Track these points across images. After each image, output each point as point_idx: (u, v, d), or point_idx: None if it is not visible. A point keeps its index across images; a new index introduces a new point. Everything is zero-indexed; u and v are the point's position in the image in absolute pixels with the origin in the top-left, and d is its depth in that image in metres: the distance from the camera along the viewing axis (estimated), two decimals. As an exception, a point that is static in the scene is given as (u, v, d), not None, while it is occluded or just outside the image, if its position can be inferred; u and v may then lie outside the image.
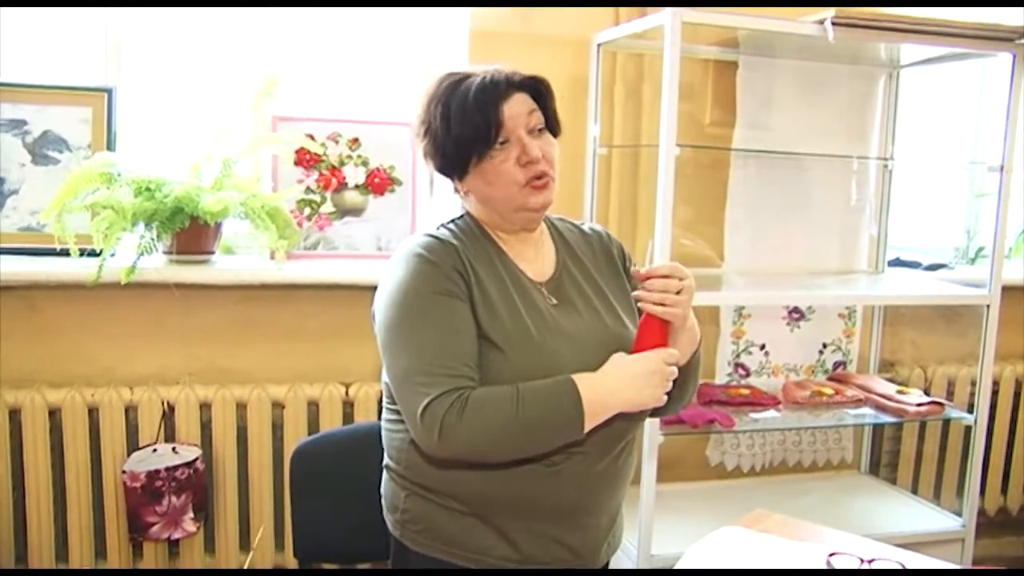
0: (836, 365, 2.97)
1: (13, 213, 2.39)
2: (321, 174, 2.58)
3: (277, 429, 2.48)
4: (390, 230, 2.63)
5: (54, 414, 2.34)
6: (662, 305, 1.51)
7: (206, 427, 2.44)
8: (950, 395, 3.07)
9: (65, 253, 2.27)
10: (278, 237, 2.35)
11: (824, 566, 1.52)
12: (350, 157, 2.60)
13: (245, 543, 2.49)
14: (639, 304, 1.54)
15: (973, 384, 2.76)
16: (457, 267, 1.52)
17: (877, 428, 3.07)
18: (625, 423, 1.56)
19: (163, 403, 2.39)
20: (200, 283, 2.39)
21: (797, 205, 2.84)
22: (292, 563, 2.47)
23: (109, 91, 2.45)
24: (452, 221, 1.63)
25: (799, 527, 1.72)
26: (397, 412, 1.56)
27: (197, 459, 2.36)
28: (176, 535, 2.35)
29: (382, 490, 1.68)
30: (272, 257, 2.41)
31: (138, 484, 2.28)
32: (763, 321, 2.86)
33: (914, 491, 3.08)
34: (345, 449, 1.89)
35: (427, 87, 1.57)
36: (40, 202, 2.32)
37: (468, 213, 1.64)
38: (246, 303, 2.49)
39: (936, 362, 3.13)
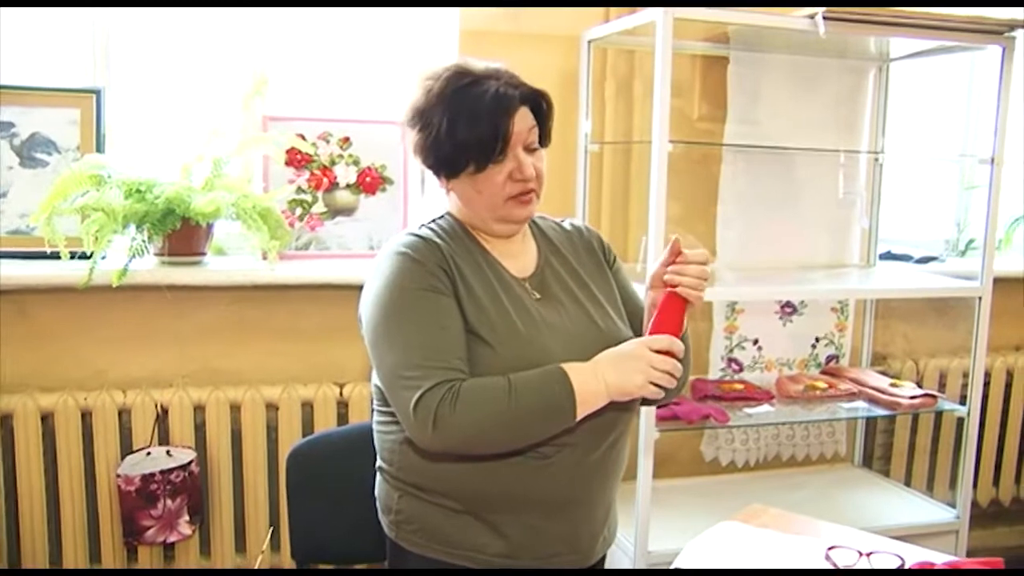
0: (829, 359, 2.98)
1: (2, 216, 2.38)
2: (312, 174, 2.57)
3: (271, 430, 2.47)
4: (382, 229, 2.62)
5: (46, 419, 2.33)
6: (697, 289, 1.53)
7: (200, 429, 2.43)
8: (942, 387, 3.08)
9: (55, 256, 2.25)
10: (270, 238, 2.34)
11: (823, 560, 1.53)
12: (341, 156, 2.60)
13: (241, 545, 2.49)
14: (671, 289, 1.53)
15: (965, 376, 2.77)
16: (441, 264, 1.53)
17: (870, 421, 3.08)
18: (615, 414, 1.56)
19: (156, 406, 2.38)
20: (192, 285, 2.38)
21: (788, 199, 2.84)
22: (289, 565, 2.46)
23: (98, 92, 2.43)
24: (434, 220, 1.64)
25: (796, 521, 1.73)
26: (388, 413, 1.57)
27: (191, 462, 2.35)
28: (172, 538, 2.34)
29: (376, 492, 1.68)
30: (264, 258, 2.40)
31: (133, 488, 2.27)
32: (756, 316, 2.87)
33: (907, 483, 3.09)
34: (341, 450, 1.88)
35: (431, 80, 1.55)
36: (29, 205, 2.31)
37: (450, 212, 1.65)
38: (238, 304, 2.48)
39: (928, 355, 3.14)
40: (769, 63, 2.75)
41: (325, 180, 2.58)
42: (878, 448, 3.15)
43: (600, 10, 2.62)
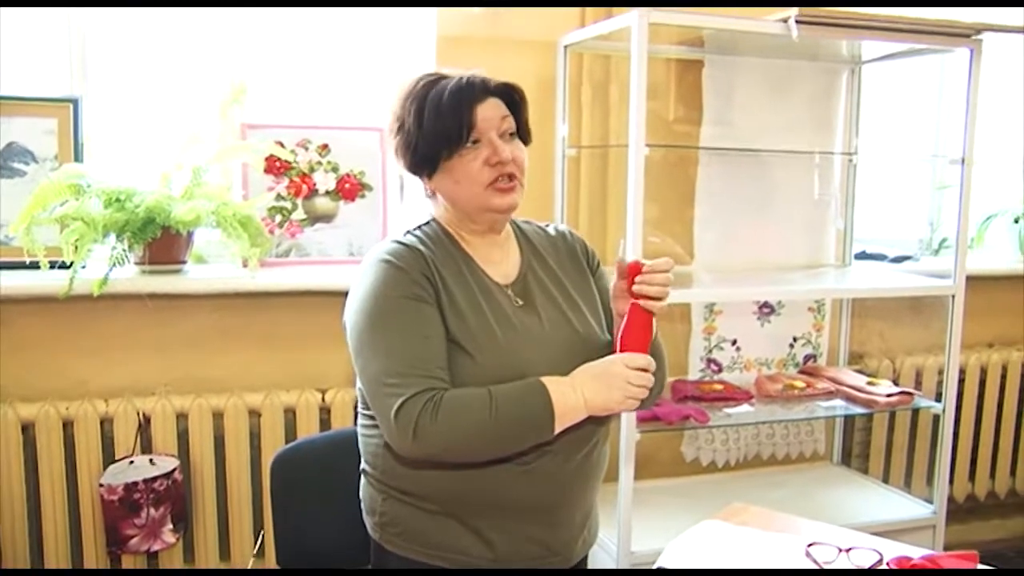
0: (807, 358, 3.01)
1: (-20, 227, 2.37)
2: (291, 181, 2.57)
3: (254, 437, 2.47)
4: (362, 236, 2.63)
5: (27, 429, 2.32)
6: (661, 300, 1.56)
7: (183, 437, 2.42)
8: (918, 385, 3.12)
9: (35, 266, 2.25)
10: (250, 245, 2.34)
11: (803, 556, 1.55)
12: (320, 163, 2.60)
13: (225, 553, 2.49)
14: (636, 300, 1.56)
15: (940, 373, 2.81)
16: (425, 272, 1.54)
17: (848, 419, 3.12)
18: (594, 422, 1.58)
19: (139, 414, 2.37)
20: (173, 293, 2.38)
21: (764, 201, 2.87)
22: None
23: (75, 101, 2.43)
24: (419, 227, 1.65)
25: (776, 519, 1.75)
26: (372, 417, 1.58)
27: (175, 470, 2.35)
28: (155, 547, 2.33)
29: (360, 494, 1.70)
30: (245, 265, 2.40)
31: (116, 497, 2.27)
32: (734, 317, 2.90)
33: (885, 480, 3.13)
34: (324, 455, 1.89)
35: (403, 86, 1.60)
36: (8, 215, 2.30)
37: (434, 219, 1.66)
38: (220, 312, 2.48)
39: (904, 353, 3.18)
40: (744, 66, 2.78)
41: (304, 187, 2.58)
42: (856, 446, 3.19)
43: (576, 15, 2.64)
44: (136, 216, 2.26)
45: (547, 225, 1.81)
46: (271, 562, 2.44)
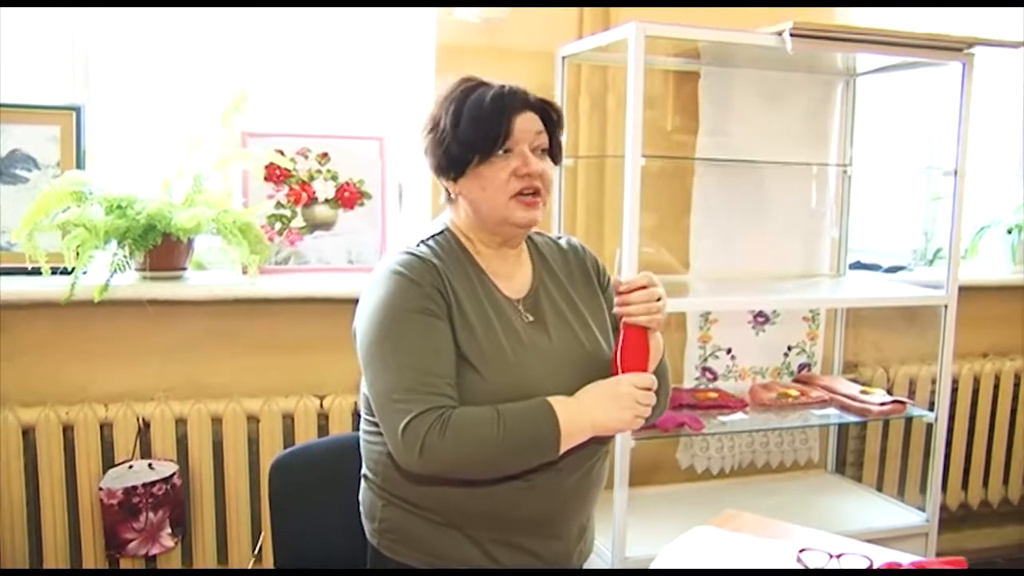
0: (801, 367, 3.04)
1: (-17, 233, 2.39)
2: (291, 189, 2.60)
3: (252, 443, 2.49)
4: (360, 243, 2.65)
5: (27, 433, 2.34)
6: (647, 315, 1.57)
7: (182, 442, 2.44)
8: (912, 394, 3.14)
9: (37, 272, 2.27)
10: (250, 252, 2.36)
11: (795, 562, 1.57)
12: (319, 172, 2.63)
13: (223, 557, 2.50)
14: (623, 320, 1.58)
15: (934, 383, 2.83)
16: (437, 286, 1.54)
17: (842, 428, 3.14)
18: (597, 440, 1.60)
19: (138, 419, 2.39)
20: (173, 299, 2.40)
21: (759, 211, 2.90)
22: (270, 576, 2.48)
23: (77, 109, 2.45)
24: (432, 237, 1.64)
25: (769, 525, 1.76)
26: (376, 424, 1.58)
27: (174, 474, 2.37)
28: (154, 551, 2.35)
29: (360, 498, 1.71)
30: (244, 272, 2.42)
31: (115, 501, 2.29)
32: (729, 326, 2.92)
33: (879, 488, 3.15)
34: (323, 460, 1.90)
35: (442, 88, 1.61)
36: (10, 221, 2.32)
37: (448, 229, 1.66)
38: (219, 318, 2.50)
39: (898, 362, 3.20)
40: (739, 77, 2.81)
41: (304, 195, 2.61)
42: (850, 454, 3.21)
43: (574, 27, 2.68)
44: (137, 223, 2.28)
45: (559, 238, 1.82)
46: (269, 566, 2.46)
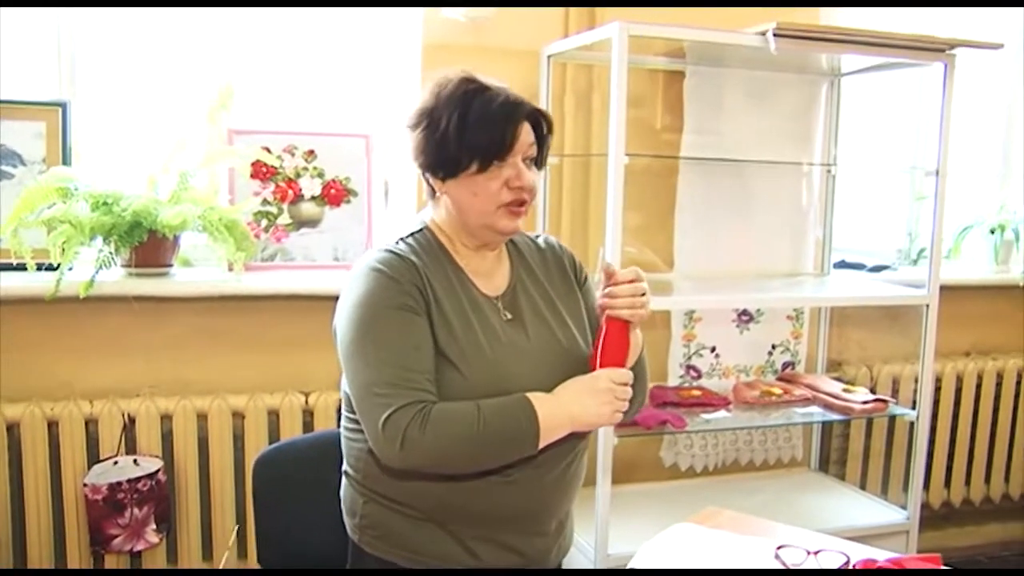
0: (785, 366, 3.05)
1: (-32, 229, 2.39)
2: (277, 186, 2.60)
3: (238, 439, 2.50)
4: (346, 241, 2.66)
5: (12, 429, 2.34)
6: (631, 308, 1.58)
7: (167, 438, 2.45)
8: (895, 392, 3.16)
9: (22, 268, 2.28)
10: (236, 249, 2.37)
11: (773, 559, 1.58)
12: (306, 169, 2.64)
13: (208, 553, 2.51)
14: (607, 312, 1.59)
15: (916, 381, 2.85)
16: (416, 283, 1.56)
17: (826, 426, 3.16)
18: (576, 436, 1.62)
19: (123, 415, 2.40)
20: (159, 296, 2.41)
21: (744, 210, 2.91)
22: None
23: (63, 105, 2.45)
24: (411, 235, 1.65)
25: (750, 523, 1.77)
26: (356, 421, 1.59)
27: (159, 470, 2.38)
28: (139, 547, 2.36)
29: (341, 494, 1.72)
30: (230, 269, 2.43)
31: (99, 497, 2.29)
32: (713, 324, 2.94)
33: (862, 487, 3.17)
34: (307, 456, 1.90)
35: (441, 84, 1.59)
36: (-5, 217, 2.33)
37: (427, 227, 1.67)
38: (205, 315, 2.51)
39: (881, 361, 3.22)
40: (725, 77, 2.82)
41: (290, 192, 2.61)
42: (834, 452, 3.22)
43: (560, 26, 2.69)
44: (123, 219, 2.29)
45: (537, 236, 1.83)
46: (252, 562, 2.47)
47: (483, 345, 1.57)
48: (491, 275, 1.68)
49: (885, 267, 3.21)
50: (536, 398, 1.52)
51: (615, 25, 2.23)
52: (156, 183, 2.43)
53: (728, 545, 1.63)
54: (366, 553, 1.64)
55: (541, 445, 1.52)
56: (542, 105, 2.64)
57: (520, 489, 1.58)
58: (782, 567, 1.56)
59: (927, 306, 2.69)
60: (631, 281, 1.59)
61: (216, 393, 2.48)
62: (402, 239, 1.64)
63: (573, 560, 2.46)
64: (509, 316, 1.65)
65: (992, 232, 3.36)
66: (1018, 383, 3.38)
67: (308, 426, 2.54)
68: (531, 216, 2.69)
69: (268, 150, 2.58)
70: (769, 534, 1.70)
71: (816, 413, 2.78)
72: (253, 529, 1.87)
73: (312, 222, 2.65)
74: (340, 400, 1.69)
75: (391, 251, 1.59)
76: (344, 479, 1.71)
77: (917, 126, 3.38)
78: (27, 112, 2.44)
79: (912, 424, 2.79)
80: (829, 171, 3.04)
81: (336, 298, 1.63)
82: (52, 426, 2.37)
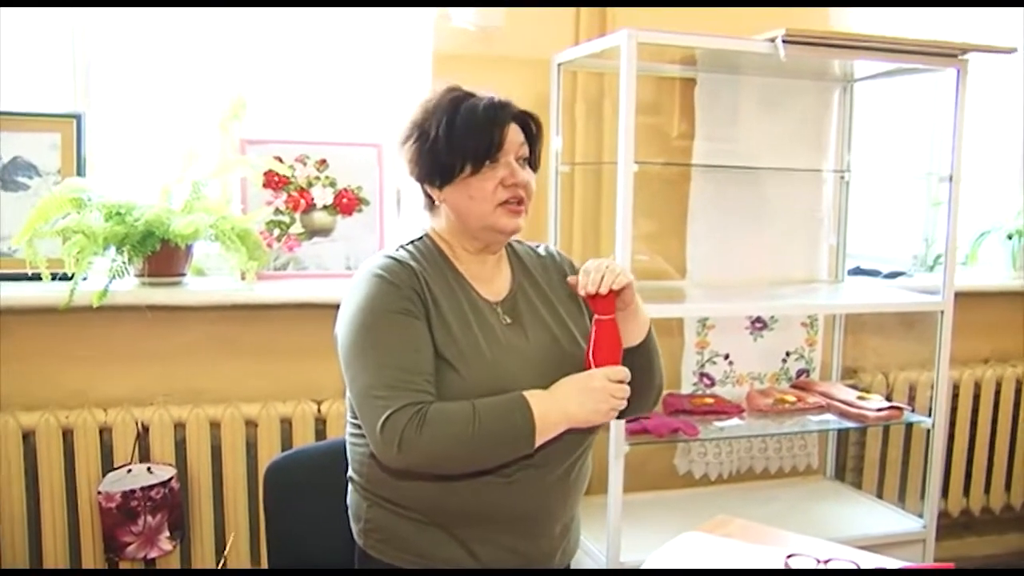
0: (799, 373, 3.04)
1: (-16, 239, 2.42)
2: (290, 195, 2.62)
3: (250, 447, 2.51)
4: (358, 249, 2.67)
5: (28, 437, 2.36)
6: (604, 275, 1.56)
7: (180, 446, 2.46)
8: (912, 399, 3.13)
9: (37, 278, 2.30)
10: (248, 258, 2.38)
11: (781, 567, 1.57)
12: (318, 178, 2.65)
13: (220, 561, 2.52)
14: (595, 316, 1.59)
15: (932, 388, 2.83)
16: (415, 288, 1.57)
17: (842, 434, 3.14)
18: (577, 436, 1.62)
19: (137, 424, 2.41)
20: (172, 305, 2.42)
21: (757, 217, 2.90)
22: (267, 579, 2.50)
23: (78, 117, 2.48)
24: (411, 242, 1.68)
25: (760, 531, 1.76)
26: (359, 426, 1.61)
27: (172, 478, 2.39)
28: (152, 554, 2.37)
29: (348, 500, 1.73)
30: (243, 278, 2.45)
31: (113, 504, 2.31)
32: (727, 332, 2.93)
33: (879, 495, 3.15)
34: (317, 464, 1.91)
35: (427, 97, 1.64)
36: (11, 228, 2.35)
37: (427, 235, 1.70)
38: (218, 324, 2.52)
39: (898, 368, 3.20)
40: (736, 84, 2.82)
41: (302, 201, 2.62)
42: (850, 460, 3.20)
43: (570, 33, 2.70)
44: (135, 229, 2.31)
45: (537, 246, 1.84)
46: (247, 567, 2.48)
47: (482, 347, 1.59)
48: (491, 281, 1.70)
49: (901, 273, 3.18)
50: (532, 396, 1.53)
51: (623, 33, 2.24)
52: (169, 193, 2.45)
53: (737, 554, 1.63)
54: (371, 558, 1.65)
55: (538, 443, 1.53)
56: (552, 113, 2.65)
57: (522, 491, 1.58)
58: (792, 570, 1.55)
59: (942, 313, 2.67)
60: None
61: (229, 401, 2.50)
62: (402, 246, 1.67)
63: (583, 566, 2.46)
64: (508, 321, 1.66)
65: (1009, 238, 3.34)
66: (1036, 390, 3.35)
67: (320, 434, 2.55)
68: (542, 224, 2.70)
69: (280, 160, 2.60)
70: (779, 543, 1.70)
71: (831, 421, 2.76)
72: (264, 536, 1.88)
73: (324, 231, 2.66)
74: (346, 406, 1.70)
75: (391, 257, 1.62)
76: (350, 484, 1.72)
77: (932, 131, 3.35)
78: (42, 124, 2.47)
79: (928, 432, 2.77)
80: (843, 177, 3.03)
81: (346, 307, 1.64)
82: (67, 434, 2.39)
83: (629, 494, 2.46)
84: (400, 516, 1.61)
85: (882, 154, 3.30)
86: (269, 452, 2.46)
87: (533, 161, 1.67)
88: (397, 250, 1.65)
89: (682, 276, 2.86)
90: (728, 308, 2.74)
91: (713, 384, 2.93)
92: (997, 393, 3.30)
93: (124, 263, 2.34)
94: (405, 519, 1.60)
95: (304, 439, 2.51)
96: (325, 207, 2.65)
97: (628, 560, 2.39)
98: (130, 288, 2.39)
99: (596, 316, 1.59)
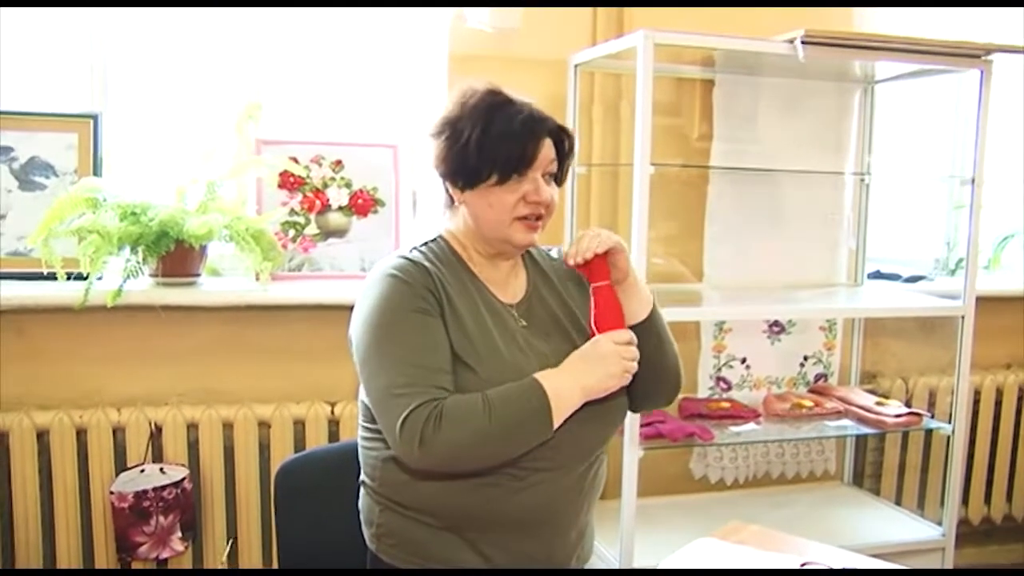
0: (818, 377, 3.00)
1: (1, 238, 2.42)
2: (305, 196, 2.61)
3: (264, 448, 2.50)
4: (374, 251, 2.66)
5: (42, 436, 2.37)
6: (592, 240, 1.57)
7: (193, 447, 2.46)
8: (932, 405, 3.10)
9: (52, 277, 2.30)
10: (262, 259, 2.38)
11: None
12: (333, 179, 2.64)
13: (233, 562, 2.51)
14: (592, 286, 1.59)
15: (952, 394, 2.79)
16: (429, 287, 1.56)
17: (860, 439, 3.10)
18: (594, 435, 1.61)
19: (150, 424, 2.41)
20: (186, 305, 2.42)
21: (776, 219, 2.87)
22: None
23: (95, 117, 2.48)
24: (425, 243, 1.67)
25: (775, 538, 1.74)
26: (372, 430, 1.61)
27: (184, 479, 2.39)
28: (164, 555, 2.37)
29: (359, 504, 1.72)
30: (257, 279, 2.44)
31: (126, 504, 2.31)
32: (744, 335, 2.90)
33: (898, 502, 3.11)
34: (329, 466, 1.90)
35: (466, 94, 1.61)
36: (27, 227, 2.35)
37: (441, 236, 1.69)
38: (232, 324, 2.52)
39: (918, 373, 3.16)
40: (755, 85, 2.79)
41: (318, 202, 2.62)
42: (868, 466, 3.17)
43: (587, 34, 2.68)
44: (150, 229, 2.31)
45: (550, 249, 1.84)
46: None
47: (500, 347, 1.58)
48: (506, 284, 1.69)
49: (921, 277, 3.14)
50: (543, 376, 1.52)
51: (640, 33, 2.22)
52: (185, 193, 2.45)
53: (751, 561, 1.61)
54: (384, 562, 1.64)
55: (557, 422, 1.51)
56: (570, 115, 2.64)
57: (536, 494, 1.57)
58: (806, 569, 1.54)
59: (962, 317, 2.63)
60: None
61: (242, 402, 2.49)
62: (416, 248, 1.66)
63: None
64: (525, 323, 1.66)
65: (1032, 242, 3.30)
66: (1060, 396, 3.29)
67: (334, 436, 2.54)
68: (558, 227, 2.68)
69: (296, 160, 2.59)
70: (793, 549, 1.68)
71: (848, 426, 2.72)
72: (275, 537, 1.88)
73: (339, 232, 2.65)
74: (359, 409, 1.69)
75: (404, 257, 1.61)
76: (362, 488, 1.71)
77: (954, 133, 3.32)
78: (59, 124, 2.47)
79: (948, 438, 2.73)
80: (863, 180, 2.99)
81: (361, 308, 1.63)
82: (80, 434, 2.39)
83: (644, 498, 2.44)
84: (413, 520, 1.59)
85: (903, 156, 3.27)
86: (282, 453, 2.45)
87: (560, 176, 1.65)
88: (411, 251, 1.64)
89: (699, 279, 2.84)
90: (745, 311, 2.71)
91: (730, 388, 2.90)
92: (1019, 399, 3.25)
93: (139, 263, 2.35)
94: (418, 523, 1.59)
95: (317, 440, 2.51)
96: (340, 208, 2.65)
97: (642, 565, 2.37)
98: (144, 288, 2.39)
99: (592, 285, 1.59)
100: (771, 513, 2.77)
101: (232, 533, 2.50)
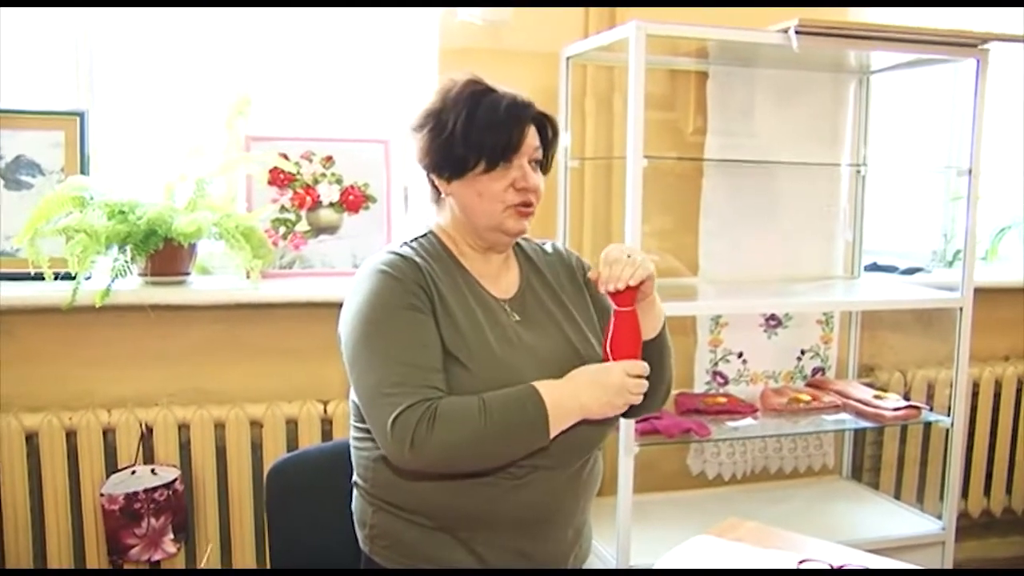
0: (815, 371, 2.98)
1: (-12, 238, 2.40)
2: (295, 192, 2.59)
3: (256, 448, 2.48)
4: (365, 247, 2.63)
5: (31, 438, 2.34)
6: (631, 268, 1.52)
7: (185, 448, 2.44)
8: (930, 398, 3.08)
9: (39, 277, 2.27)
10: (252, 256, 2.36)
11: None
12: (324, 175, 2.62)
13: (226, 563, 2.49)
14: (615, 308, 1.55)
15: (951, 387, 2.77)
16: (420, 283, 1.54)
17: (858, 433, 3.08)
18: (590, 433, 1.58)
19: (141, 425, 2.39)
20: (176, 304, 2.40)
21: (771, 212, 2.85)
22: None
23: (81, 115, 2.46)
24: (415, 239, 1.65)
25: (772, 534, 1.73)
26: (364, 430, 1.58)
27: (176, 480, 2.36)
28: (156, 557, 2.35)
29: (352, 506, 1.70)
30: (248, 276, 2.41)
31: (117, 507, 2.28)
32: (740, 329, 2.88)
33: (897, 496, 3.09)
34: (321, 465, 1.88)
35: (447, 87, 1.59)
36: (14, 227, 2.32)
37: (432, 231, 1.66)
38: (222, 323, 2.50)
39: (916, 365, 3.14)
40: (750, 77, 2.77)
41: (308, 199, 2.59)
42: (867, 460, 3.15)
43: (579, 26, 2.66)
44: (138, 228, 2.28)
45: (543, 243, 1.81)
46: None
47: (492, 344, 1.55)
48: (498, 279, 1.67)
49: (918, 269, 3.12)
50: (543, 386, 1.50)
51: (632, 25, 2.19)
52: (173, 191, 2.42)
53: (748, 558, 1.59)
54: (377, 563, 1.62)
55: (553, 433, 1.49)
56: (562, 108, 2.61)
57: (531, 492, 1.55)
58: (801, 569, 1.51)
59: (960, 309, 2.61)
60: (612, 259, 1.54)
61: (234, 402, 2.47)
62: (406, 243, 1.63)
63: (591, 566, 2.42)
64: (518, 318, 1.63)
65: (1030, 232, 3.28)
66: (1059, 388, 3.28)
67: (326, 435, 2.52)
68: (551, 220, 2.66)
69: (286, 156, 2.57)
70: (791, 546, 1.66)
71: (847, 420, 2.71)
72: (268, 537, 1.86)
73: (331, 229, 2.63)
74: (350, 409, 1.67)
75: (394, 253, 1.59)
76: (354, 489, 1.69)
77: (951, 124, 3.29)
78: (45, 122, 2.44)
79: (947, 431, 2.71)
80: (859, 171, 2.97)
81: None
82: (70, 436, 2.36)
83: (641, 494, 2.42)
84: (406, 521, 1.57)
85: (899, 148, 3.25)
86: (275, 453, 2.43)
87: (545, 164, 1.64)
88: (401, 247, 1.62)
89: (694, 273, 2.82)
90: (742, 305, 2.69)
91: (727, 383, 2.88)
92: (1018, 391, 3.24)
93: (127, 262, 2.32)
94: (411, 524, 1.57)
95: (310, 440, 2.48)
96: (331, 204, 2.62)
97: (639, 563, 2.35)
98: (133, 288, 2.37)
99: (616, 308, 1.55)
100: (769, 508, 2.75)
101: (225, 534, 2.48)
